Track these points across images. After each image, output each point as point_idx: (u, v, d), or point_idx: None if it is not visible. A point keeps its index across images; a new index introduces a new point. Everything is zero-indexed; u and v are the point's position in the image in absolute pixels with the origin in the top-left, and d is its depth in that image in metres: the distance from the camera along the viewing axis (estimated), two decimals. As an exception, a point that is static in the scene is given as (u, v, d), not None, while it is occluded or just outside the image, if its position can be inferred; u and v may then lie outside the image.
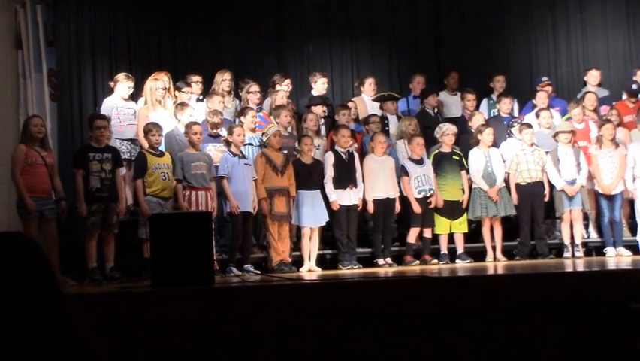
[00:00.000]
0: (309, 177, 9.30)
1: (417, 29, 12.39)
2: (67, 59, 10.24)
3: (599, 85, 11.37)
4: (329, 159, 9.42)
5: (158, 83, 9.50)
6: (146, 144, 8.84)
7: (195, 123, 8.96)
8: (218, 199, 8.95)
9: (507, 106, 10.77)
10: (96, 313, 5.35)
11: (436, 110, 10.86)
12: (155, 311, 5.57)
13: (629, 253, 9.73)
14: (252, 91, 10.12)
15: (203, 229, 6.58)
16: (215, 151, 9.24)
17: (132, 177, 8.85)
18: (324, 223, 9.35)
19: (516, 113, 10.95)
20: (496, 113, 10.91)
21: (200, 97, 10.16)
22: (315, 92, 10.71)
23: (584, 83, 11.50)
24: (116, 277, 8.11)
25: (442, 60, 12.29)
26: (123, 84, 9.45)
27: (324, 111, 10.26)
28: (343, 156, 9.46)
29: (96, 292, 6.78)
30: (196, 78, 10.21)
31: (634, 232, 10.02)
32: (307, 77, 11.13)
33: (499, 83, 11.31)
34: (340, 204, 9.34)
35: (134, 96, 9.87)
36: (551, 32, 12.60)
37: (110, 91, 9.62)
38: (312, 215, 9.24)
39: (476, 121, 10.30)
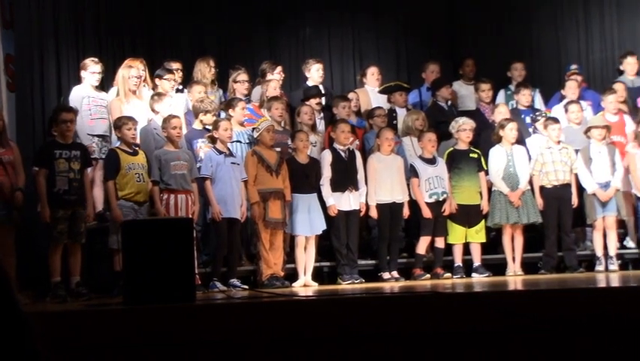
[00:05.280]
0: (304, 178, 9.31)
1: (428, 9, 12.40)
2: (27, 43, 10.24)
3: (637, 73, 11.37)
4: (326, 158, 9.43)
5: (132, 70, 9.51)
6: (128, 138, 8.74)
7: (174, 116, 8.95)
8: (200, 203, 8.95)
9: (526, 98, 10.75)
10: (60, 334, 5.37)
11: (449, 102, 10.88)
12: (128, 332, 5.57)
13: (671, 266, 9.75)
14: (240, 80, 10.11)
15: (183, 237, 6.58)
16: (205, 148, 9.24)
17: (102, 178, 8.85)
18: (320, 232, 9.37)
19: (537, 106, 10.96)
20: (514, 106, 10.90)
21: (180, 87, 10.16)
22: (310, 82, 10.72)
23: (619, 72, 11.51)
24: (83, 293, 8.10)
25: (457, 46, 12.31)
26: (88, 71, 9.47)
27: (318, 104, 10.26)
28: (342, 154, 9.47)
29: (60, 310, 6.77)
30: (176, 65, 10.21)
31: (678, 243, 10.04)
32: (302, 65, 11.12)
33: (517, 71, 11.34)
34: (339, 210, 9.35)
35: (104, 86, 9.87)
36: (582, 12, 12.62)
37: (79, 79, 9.63)
38: (307, 222, 9.25)
39: (499, 114, 10.30)
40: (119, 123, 8.80)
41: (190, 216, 8.50)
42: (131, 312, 6.00)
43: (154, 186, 8.69)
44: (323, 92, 10.54)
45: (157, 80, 9.83)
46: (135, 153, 8.73)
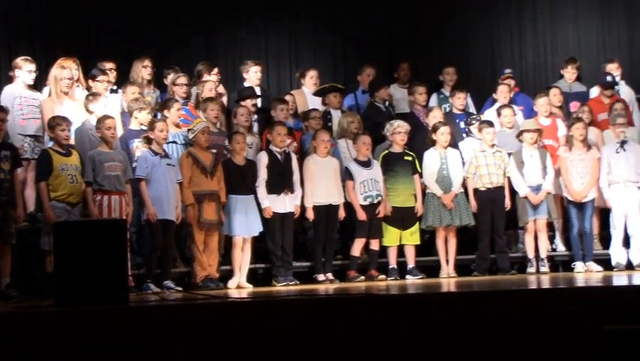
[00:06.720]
0: (241, 180, 9.28)
1: (364, 15, 12.44)
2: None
3: (578, 79, 11.52)
4: (262, 160, 9.42)
5: (64, 71, 9.37)
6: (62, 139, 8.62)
7: (109, 117, 8.85)
8: (135, 204, 8.87)
9: (461, 101, 10.83)
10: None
11: (387, 103, 10.91)
12: (59, 335, 5.49)
13: (599, 268, 9.90)
14: (179, 83, 10.03)
15: (116, 239, 6.53)
16: (142, 147, 9.14)
17: (35, 179, 8.73)
18: (257, 233, 9.34)
19: (470, 110, 11.05)
20: (448, 110, 10.97)
21: (115, 87, 10.06)
22: (247, 84, 10.68)
23: (560, 76, 11.64)
24: (13, 296, 7.96)
25: (393, 49, 12.37)
26: (23, 69, 9.33)
27: (253, 105, 10.24)
28: (279, 156, 9.46)
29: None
30: (109, 65, 10.10)
31: (605, 245, 10.19)
32: (239, 66, 11.09)
33: (448, 75, 11.42)
34: (274, 212, 9.34)
35: (38, 85, 9.73)
36: (516, 19, 12.80)
37: (11, 79, 9.48)
38: (245, 223, 9.22)
39: (433, 118, 10.35)
40: (53, 124, 8.68)
41: (124, 217, 8.43)
42: (62, 314, 5.92)
43: (87, 187, 8.58)
44: (259, 93, 10.52)
45: (90, 81, 9.73)
46: (68, 154, 8.62)
